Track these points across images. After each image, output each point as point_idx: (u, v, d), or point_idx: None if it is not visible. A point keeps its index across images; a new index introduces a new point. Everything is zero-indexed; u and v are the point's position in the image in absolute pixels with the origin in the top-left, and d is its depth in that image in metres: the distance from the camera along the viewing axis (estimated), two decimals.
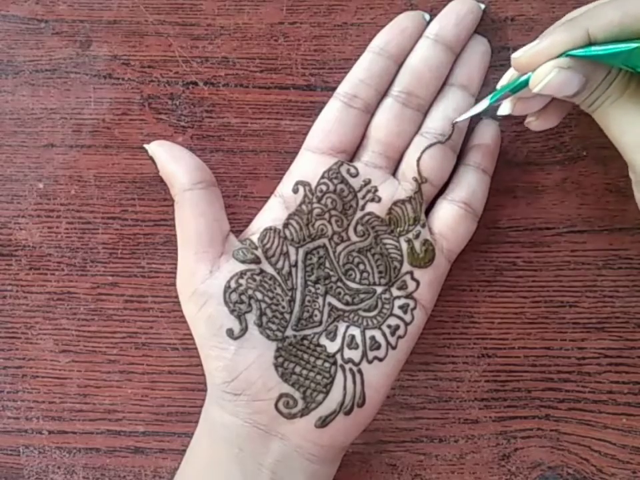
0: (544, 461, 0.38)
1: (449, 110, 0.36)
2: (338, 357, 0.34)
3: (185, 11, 0.38)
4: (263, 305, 0.34)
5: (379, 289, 0.35)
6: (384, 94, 0.36)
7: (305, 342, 0.34)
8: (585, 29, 0.29)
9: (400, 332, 0.35)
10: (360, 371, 0.34)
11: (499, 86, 0.34)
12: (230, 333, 0.33)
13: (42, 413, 0.39)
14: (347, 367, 0.34)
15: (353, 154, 0.36)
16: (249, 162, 0.38)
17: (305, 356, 0.34)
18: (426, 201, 0.36)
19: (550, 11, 0.37)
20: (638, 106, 0.30)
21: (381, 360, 0.34)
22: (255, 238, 0.35)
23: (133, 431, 0.39)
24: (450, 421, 0.39)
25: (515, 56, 0.31)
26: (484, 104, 0.34)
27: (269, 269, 0.34)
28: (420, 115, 0.36)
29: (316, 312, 0.35)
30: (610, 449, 0.38)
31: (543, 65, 0.30)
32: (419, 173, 0.35)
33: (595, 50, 0.29)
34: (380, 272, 0.35)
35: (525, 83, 0.31)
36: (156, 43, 0.38)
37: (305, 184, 0.35)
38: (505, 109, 0.34)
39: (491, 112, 0.35)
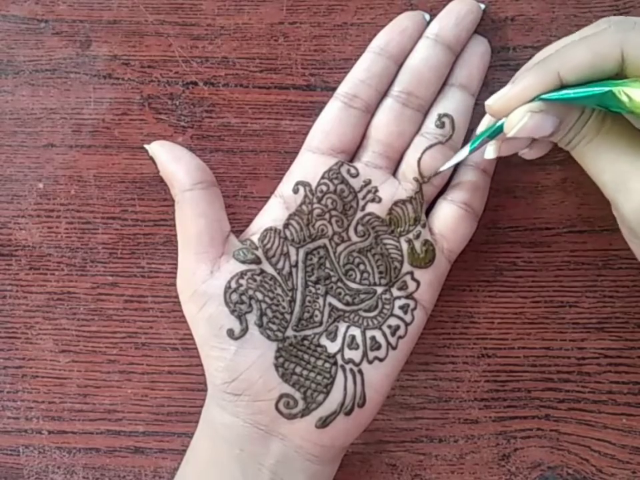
0: (544, 461, 0.38)
1: (449, 110, 0.36)
2: (338, 357, 0.34)
3: (184, 11, 0.38)
4: (264, 306, 0.34)
5: (380, 289, 0.35)
6: (384, 94, 0.36)
7: (306, 342, 0.34)
8: (555, 72, 0.29)
9: (400, 332, 0.35)
10: (360, 371, 0.34)
11: (477, 132, 0.35)
12: (230, 333, 0.33)
13: (42, 413, 0.39)
14: (348, 367, 0.34)
15: (353, 154, 0.36)
16: (248, 162, 0.38)
17: (306, 356, 0.34)
18: (426, 201, 0.36)
19: (550, 10, 0.37)
20: (613, 145, 0.30)
21: (381, 360, 0.34)
22: (255, 238, 0.35)
23: (133, 431, 0.39)
24: (450, 421, 0.39)
25: (489, 103, 0.31)
26: (464, 152, 0.34)
27: (270, 270, 0.34)
28: (420, 115, 0.36)
29: (316, 312, 0.35)
30: (610, 449, 0.38)
31: (515, 111, 0.30)
32: (420, 173, 0.35)
33: (567, 94, 0.29)
34: (380, 272, 0.35)
35: (501, 128, 0.31)
36: (156, 43, 0.38)
37: (305, 184, 0.35)
38: (489, 153, 0.34)
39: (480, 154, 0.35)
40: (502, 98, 0.31)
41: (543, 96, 0.30)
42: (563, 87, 0.30)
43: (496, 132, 0.32)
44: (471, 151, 0.33)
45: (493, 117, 0.33)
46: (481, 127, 0.35)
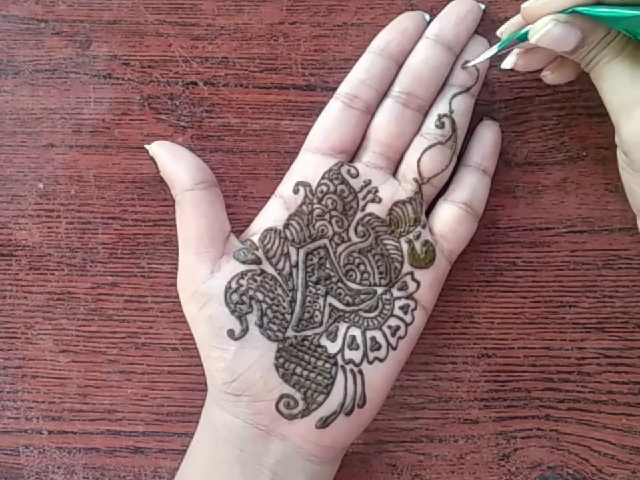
0: (544, 461, 0.38)
1: (449, 110, 0.36)
2: (339, 357, 0.34)
3: (184, 11, 0.38)
4: (264, 306, 0.34)
5: (380, 290, 0.35)
6: (384, 94, 0.36)
7: (306, 343, 0.34)
8: None
9: (400, 332, 0.35)
10: (360, 372, 0.34)
11: (501, 33, 0.35)
12: (231, 333, 0.33)
13: (42, 413, 0.39)
14: (348, 367, 0.34)
15: (353, 154, 0.36)
16: (249, 162, 0.38)
17: (306, 357, 0.34)
18: (426, 201, 0.36)
19: None
20: (630, 68, 0.31)
21: (381, 360, 0.34)
22: (255, 238, 0.35)
23: (132, 431, 0.39)
24: (450, 421, 0.39)
25: (524, 6, 0.32)
26: (493, 50, 0.34)
27: (270, 270, 0.34)
28: (420, 116, 0.36)
29: (317, 312, 0.35)
30: (610, 449, 0.38)
31: (543, 18, 0.31)
32: (419, 173, 0.35)
33: (601, 11, 0.29)
34: (380, 273, 0.35)
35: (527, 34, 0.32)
36: (156, 43, 0.38)
37: (305, 184, 0.35)
38: (508, 62, 0.35)
39: (498, 64, 0.35)
40: (537, 2, 0.31)
41: (577, 9, 0.30)
42: (598, 3, 0.30)
43: (523, 36, 0.32)
44: (499, 50, 0.34)
45: (524, 20, 0.33)
46: (504, 27, 0.35)
